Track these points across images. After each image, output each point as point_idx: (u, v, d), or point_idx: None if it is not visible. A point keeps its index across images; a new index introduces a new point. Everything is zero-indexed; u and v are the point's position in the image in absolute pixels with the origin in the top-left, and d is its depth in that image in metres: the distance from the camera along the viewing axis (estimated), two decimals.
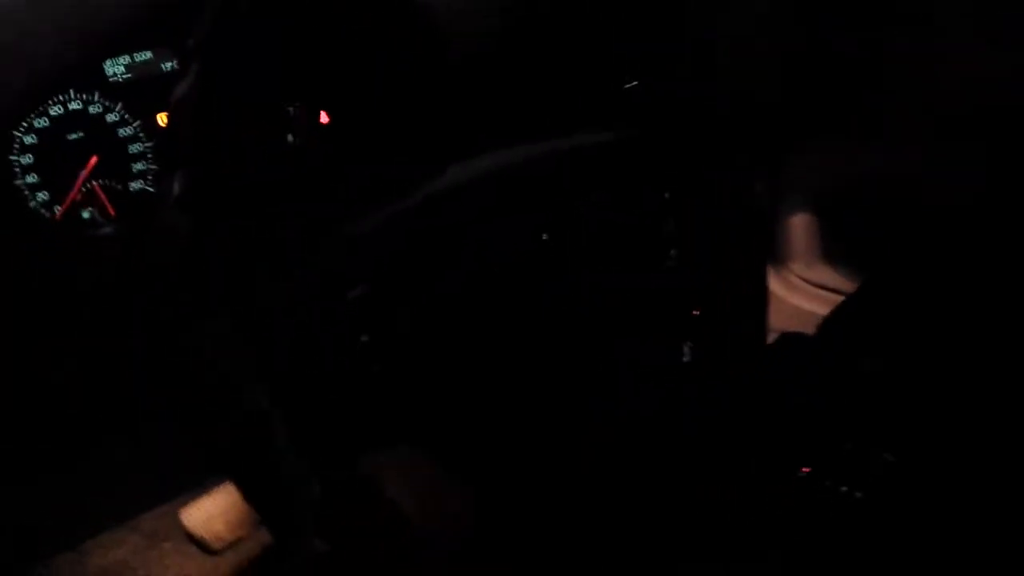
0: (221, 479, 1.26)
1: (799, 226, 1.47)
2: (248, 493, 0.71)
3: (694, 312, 0.93)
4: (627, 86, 0.85)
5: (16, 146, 0.80)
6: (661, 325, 0.90)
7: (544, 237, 0.72)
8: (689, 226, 0.81)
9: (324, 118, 0.79)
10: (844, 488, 0.94)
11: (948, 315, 1.01)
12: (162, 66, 0.87)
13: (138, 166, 0.86)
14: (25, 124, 0.80)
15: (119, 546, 1.28)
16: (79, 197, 0.84)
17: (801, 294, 1.48)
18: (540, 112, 0.84)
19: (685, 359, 0.94)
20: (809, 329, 1.13)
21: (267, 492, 0.64)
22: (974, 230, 1.04)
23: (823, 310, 1.21)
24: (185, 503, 1.29)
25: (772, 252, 1.44)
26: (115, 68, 0.85)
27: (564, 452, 0.83)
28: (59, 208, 0.83)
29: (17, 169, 0.80)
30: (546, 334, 0.78)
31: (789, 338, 1.04)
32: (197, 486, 1.29)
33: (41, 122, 0.81)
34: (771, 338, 1.09)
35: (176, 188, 0.58)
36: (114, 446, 0.95)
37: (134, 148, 0.86)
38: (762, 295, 0.92)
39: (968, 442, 0.91)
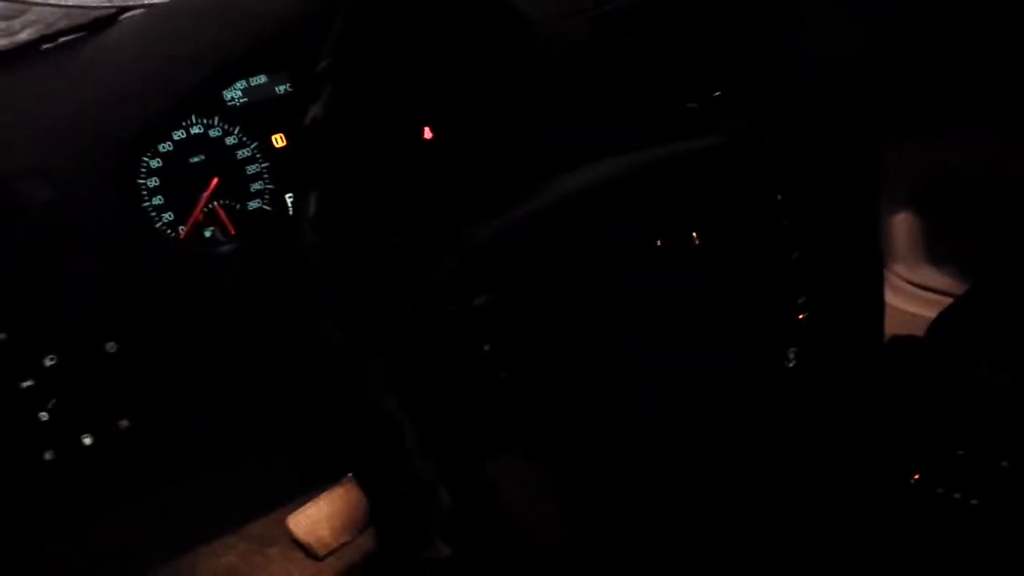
0: (328, 486, 1.29)
1: (902, 225, 1.44)
2: (376, 497, 0.73)
3: (799, 317, 0.92)
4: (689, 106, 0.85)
5: (143, 170, 0.84)
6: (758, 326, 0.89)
7: (659, 243, 0.73)
8: (803, 227, 0.81)
9: (428, 134, 0.82)
10: (957, 495, 0.92)
11: None
12: (276, 89, 0.91)
13: (256, 186, 0.90)
14: (151, 149, 0.84)
15: (229, 551, 1.32)
16: (201, 217, 0.88)
17: (904, 296, 1.45)
18: (636, 118, 0.85)
19: (790, 364, 0.93)
20: (914, 333, 1.11)
21: (396, 496, 0.66)
22: None
23: (928, 313, 1.19)
24: (292, 510, 1.33)
25: None
26: (232, 93, 0.89)
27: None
28: (183, 228, 0.87)
29: (144, 192, 0.84)
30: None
31: (899, 341, 1.02)
32: (304, 493, 1.33)
33: (166, 147, 0.85)
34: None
35: (311, 207, 0.61)
36: (232, 455, 0.99)
37: (251, 169, 0.90)
38: (878, 299, 0.90)
39: None
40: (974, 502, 0.91)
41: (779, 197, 0.79)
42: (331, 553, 1.29)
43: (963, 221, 1.39)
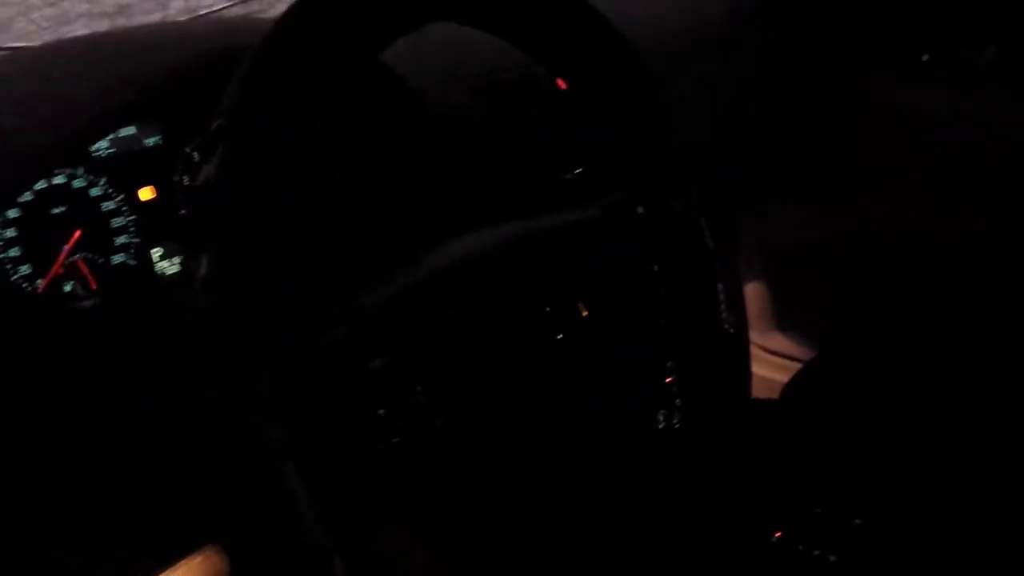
0: (185, 556, 1.23)
1: (753, 293, 1.51)
2: (263, 563, 0.71)
3: (667, 380, 0.95)
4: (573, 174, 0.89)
5: None
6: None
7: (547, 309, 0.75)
8: (675, 295, 0.84)
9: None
10: (817, 552, 0.97)
11: (909, 380, 1.05)
12: (145, 141, 0.88)
13: (121, 239, 0.86)
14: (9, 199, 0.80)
15: None
16: (61, 271, 0.83)
17: (757, 362, 1.51)
18: (518, 188, 0.87)
19: (660, 425, 0.96)
20: (768, 396, 1.16)
21: (288, 562, 0.64)
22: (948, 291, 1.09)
23: (780, 377, 1.25)
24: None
25: None
26: (100, 144, 0.85)
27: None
28: (41, 282, 0.82)
29: (0, 243, 0.80)
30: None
31: (757, 404, 1.07)
32: (164, 562, 1.26)
33: (25, 196, 0.81)
34: None
35: (203, 268, 0.59)
36: (99, 519, 0.93)
37: (117, 222, 0.86)
38: (745, 364, 0.95)
39: (936, 504, 0.94)
40: (832, 558, 0.95)
41: (655, 267, 0.82)
42: None
43: (811, 288, 1.48)
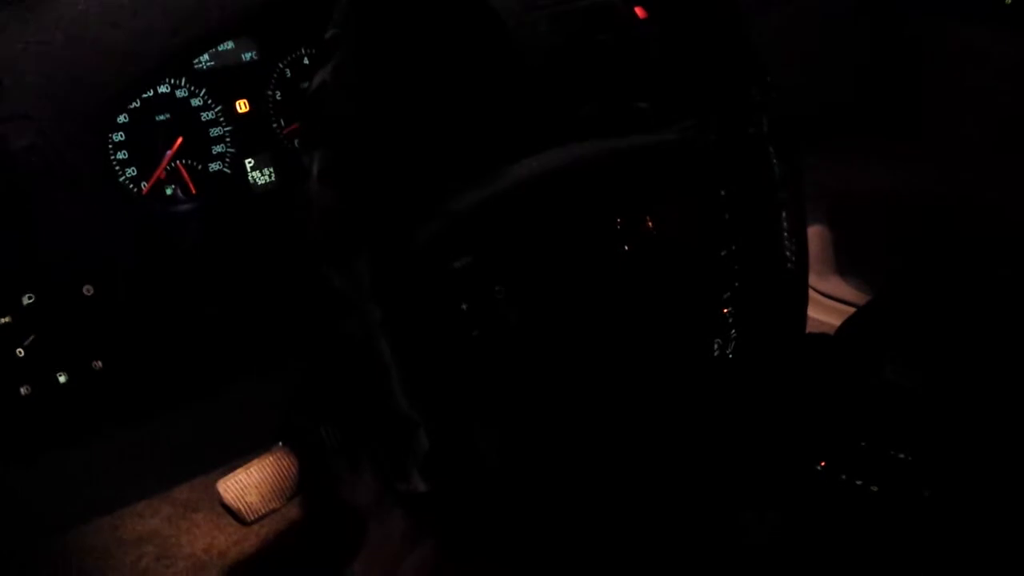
0: (258, 453, 1.31)
1: (814, 238, 1.53)
2: (356, 433, 0.78)
3: (725, 309, 0.98)
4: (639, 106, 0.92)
5: (112, 124, 0.85)
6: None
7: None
8: (740, 224, 0.87)
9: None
10: (859, 482, 1.00)
11: (964, 326, 1.07)
12: (242, 56, 0.93)
13: (218, 148, 0.92)
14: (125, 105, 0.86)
15: (153, 515, 1.32)
16: (164, 175, 0.89)
17: (813, 305, 1.53)
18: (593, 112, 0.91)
19: (715, 354, 1.00)
20: None
21: (377, 433, 0.70)
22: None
23: (835, 321, 1.27)
24: (219, 476, 1.34)
25: None
26: (200, 57, 0.91)
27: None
28: (145, 184, 0.88)
29: (110, 146, 0.86)
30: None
31: (812, 339, 1.10)
32: (233, 460, 1.34)
33: (133, 104, 0.87)
34: None
35: (317, 164, 0.65)
36: (167, 413, 1.00)
37: (215, 132, 0.92)
38: (803, 293, 0.97)
39: (983, 446, 0.97)
40: (874, 489, 0.98)
41: (722, 192, 0.86)
42: (259, 519, 1.30)
43: (872, 235, 1.49)
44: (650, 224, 0.80)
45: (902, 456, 1.00)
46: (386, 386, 0.66)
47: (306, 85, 0.70)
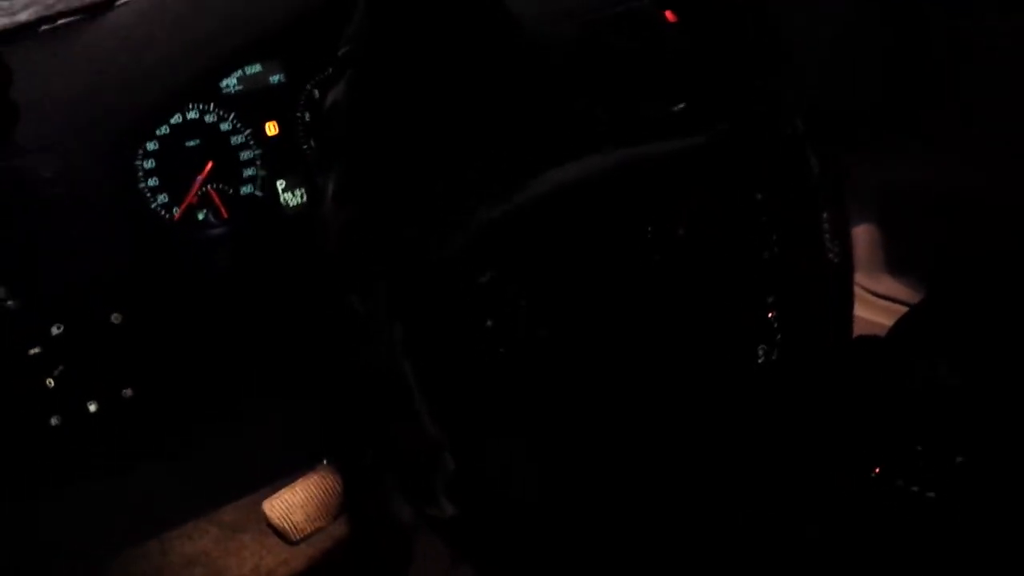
0: (303, 472, 1.31)
1: (862, 236, 1.49)
2: (382, 456, 0.77)
3: (769, 315, 0.95)
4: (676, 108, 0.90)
5: (140, 152, 0.86)
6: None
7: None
8: (779, 226, 0.85)
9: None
10: (916, 488, 0.97)
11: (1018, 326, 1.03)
12: (270, 78, 0.93)
13: (248, 172, 0.92)
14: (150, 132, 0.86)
15: (201, 537, 1.33)
16: (195, 200, 0.89)
17: (863, 304, 1.50)
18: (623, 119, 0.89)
19: (759, 361, 0.97)
20: None
21: (403, 457, 0.69)
22: None
23: (886, 321, 1.24)
24: (264, 497, 1.35)
25: None
26: (228, 80, 0.91)
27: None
28: (177, 210, 0.89)
29: (140, 173, 0.86)
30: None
31: (863, 341, 1.07)
32: (278, 480, 1.34)
33: (162, 130, 0.87)
34: None
35: (332, 184, 0.64)
36: (206, 437, 1.00)
37: (245, 155, 0.92)
38: (848, 301, 0.95)
39: None
40: (931, 495, 0.95)
41: (759, 196, 0.83)
42: (305, 539, 1.30)
43: (922, 232, 1.45)
44: (683, 231, 0.78)
45: (959, 460, 0.97)
46: (410, 407, 0.65)
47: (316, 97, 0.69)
